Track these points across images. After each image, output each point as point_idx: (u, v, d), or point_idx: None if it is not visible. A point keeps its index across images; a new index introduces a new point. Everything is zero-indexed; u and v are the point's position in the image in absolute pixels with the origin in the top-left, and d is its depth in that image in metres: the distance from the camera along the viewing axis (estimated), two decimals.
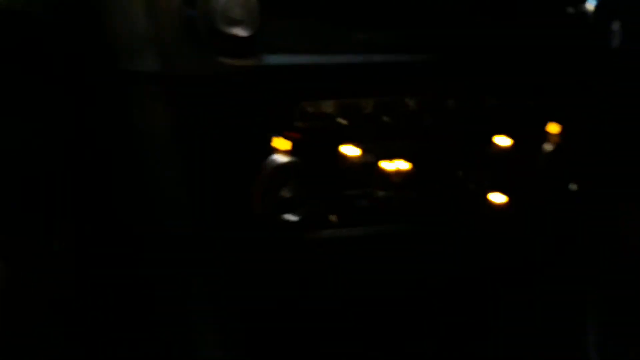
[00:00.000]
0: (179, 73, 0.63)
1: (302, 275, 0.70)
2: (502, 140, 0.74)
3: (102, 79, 0.63)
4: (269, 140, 0.66)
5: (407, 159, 0.72)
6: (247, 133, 0.66)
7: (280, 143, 0.67)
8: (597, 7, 0.73)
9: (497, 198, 0.75)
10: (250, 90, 0.65)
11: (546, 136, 0.76)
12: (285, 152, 0.67)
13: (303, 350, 0.77)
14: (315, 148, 0.68)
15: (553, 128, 0.76)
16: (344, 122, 0.69)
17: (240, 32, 0.61)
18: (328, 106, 0.68)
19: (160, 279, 0.68)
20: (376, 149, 0.70)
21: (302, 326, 0.74)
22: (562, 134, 0.76)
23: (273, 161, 0.66)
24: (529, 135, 0.75)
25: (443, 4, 0.70)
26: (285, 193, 0.67)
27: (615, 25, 0.74)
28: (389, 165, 0.71)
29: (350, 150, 0.70)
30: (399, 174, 0.72)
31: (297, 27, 0.65)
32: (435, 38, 0.70)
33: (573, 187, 0.77)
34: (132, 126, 0.64)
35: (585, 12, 0.74)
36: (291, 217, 0.67)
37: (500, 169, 0.75)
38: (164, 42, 0.62)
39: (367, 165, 0.70)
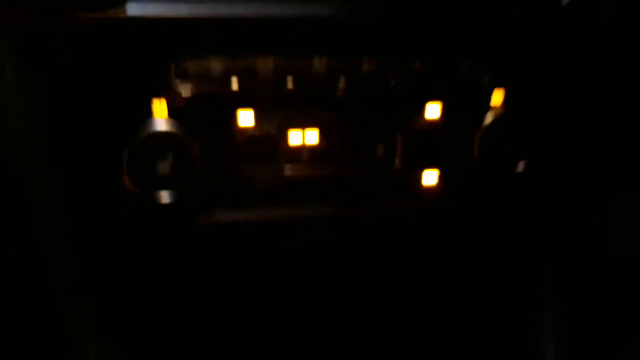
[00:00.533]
0: (30, 29, 0.53)
1: (182, 271, 0.60)
2: (433, 111, 0.64)
3: None
4: (143, 105, 0.57)
5: (316, 132, 0.61)
6: (115, 96, 0.55)
7: (158, 108, 0.57)
8: None
9: (426, 178, 0.65)
10: (116, 47, 0.55)
11: (486, 107, 0.65)
12: (164, 119, 0.57)
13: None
14: (202, 115, 0.58)
15: (495, 98, 0.66)
16: (236, 85, 0.58)
17: None
18: (215, 65, 0.58)
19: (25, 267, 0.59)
20: (277, 119, 0.60)
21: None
22: (505, 104, 0.65)
23: (147, 129, 0.56)
24: (465, 105, 0.64)
25: None
26: (163, 168, 0.57)
27: None
28: (293, 138, 0.61)
29: (244, 119, 0.60)
30: (304, 148, 0.61)
31: None
32: None
33: (520, 167, 0.66)
34: None
35: None
36: (168, 197, 0.57)
37: (430, 145, 0.64)
38: None
39: (265, 138, 0.60)
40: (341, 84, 0.60)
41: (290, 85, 0.59)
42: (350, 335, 0.71)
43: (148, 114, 0.56)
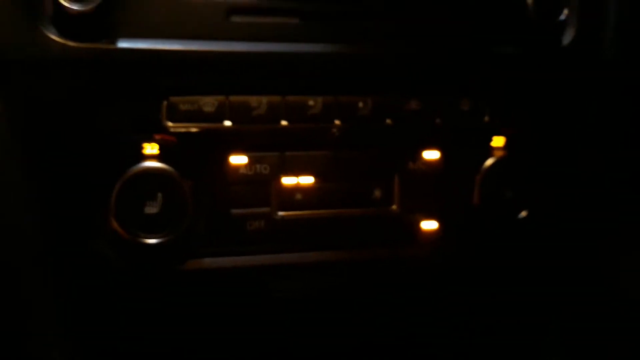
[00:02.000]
0: (12, 56, 0.51)
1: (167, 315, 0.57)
2: (432, 155, 0.62)
3: None
4: (133, 143, 0.55)
5: (311, 174, 0.59)
6: (104, 133, 0.54)
7: (147, 146, 0.55)
8: None
9: (425, 225, 0.62)
10: (104, 80, 0.53)
11: (487, 150, 0.63)
12: (152, 158, 0.55)
13: None
14: (193, 154, 0.56)
15: (496, 141, 0.64)
16: (228, 123, 0.57)
17: (82, 6, 0.50)
18: (207, 104, 0.56)
19: None
20: (270, 158, 0.58)
21: None
22: (507, 147, 0.63)
23: (135, 168, 0.54)
24: (466, 148, 0.63)
25: None
26: (150, 209, 0.55)
27: (565, 16, 0.62)
28: (287, 180, 0.59)
29: (237, 160, 0.58)
30: (298, 189, 0.59)
31: (159, 5, 0.53)
32: (347, 24, 0.57)
33: (522, 214, 0.64)
34: None
35: (523, 2, 0.61)
36: (153, 240, 0.54)
37: (428, 187, 0.62)
38: None
39: (258, 178, 0.58)
40: (336, 123, 0.59)
41: (284, 124, 0.58)
42: None
43: (137, 152, 0.54)
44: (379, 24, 0.58)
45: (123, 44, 0.52)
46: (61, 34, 0.51)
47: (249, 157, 0.57)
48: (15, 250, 0.54)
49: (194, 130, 0.55)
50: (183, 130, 0.55)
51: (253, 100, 0.56)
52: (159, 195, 0.54)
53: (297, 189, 0.59)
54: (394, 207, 0.61)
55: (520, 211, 0.64)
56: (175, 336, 0.60)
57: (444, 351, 0.71)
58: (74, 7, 0.49)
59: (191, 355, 0.60)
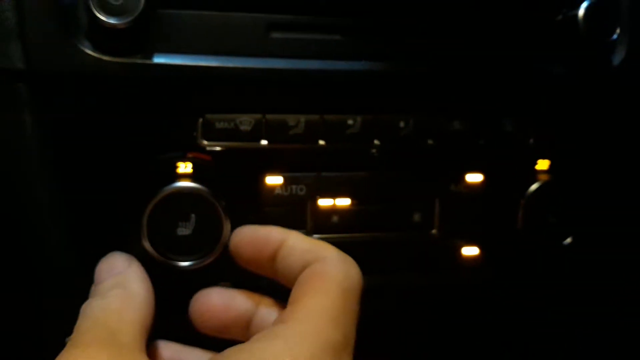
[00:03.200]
0: (47, 70, 0.50)
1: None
2: (474, 177, 0.59)
3: None
4: (164, 162, 0.53)
5: (349, 196, 0.57)
6: (134, 149, 0.52)
7: (180, 166, 0.53)
8: (589, 10, 0.58)
9: (466, 250, 0.60)
10: (137, 97, 0.52)
11: (532, 173, 0.61)
12: (186, 178, 0.53)
13: None
14: (227, 174, 0.54)
15: (541, 164, 0.61)
16: (264, 143, 0.55)
17: (118, 20, 0.48)
18: (244, 122, 0.54)
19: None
20: (307, 179, 0.56)
21: None
22: (552, 171, 0.61)
23: (168, 188, 0.52)
24: (509, 171, 0.60)
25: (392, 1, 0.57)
26: (183, 230, 0.53)
27: (617, 35, 0.59)
28: (324, 202, 0.57)
29: (273, 180, 0.56)
30: (335, 211, 0.57)
31: (197, 20, 0.52)
32: (387, 42, 0.56)
33: (567, 241, 0.61)
34: None
35: (573, 20, 0.59)
36: (186, 263, 0.53)
37: (470, 211, 0.59)
38: (29, 32, 0.49)
39: (294, 199, 0.56)
40: (376, 143, 0.57)
41: (321, 144, 0.56)
42: None
43: (171, 171, 0.52)
44: (423, 42, 0.56)
45: (159, 60, 0.50)
46: (96, 48, 0.50)
47: (285, 178, 0.55)
48: (44, 271, 0.53)
49: (229, 149, 0.54)
50: (218, 148, 0.54)
51: (290, 119, 0.55)
52: (192, 216, 0.52)
53: (333, 211, 0.57)
54: (434, 231, 0.59)
55: (565, 237, 0.61)
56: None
57: None
58: (110, 21, 0.48)
59: None
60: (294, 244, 0.48)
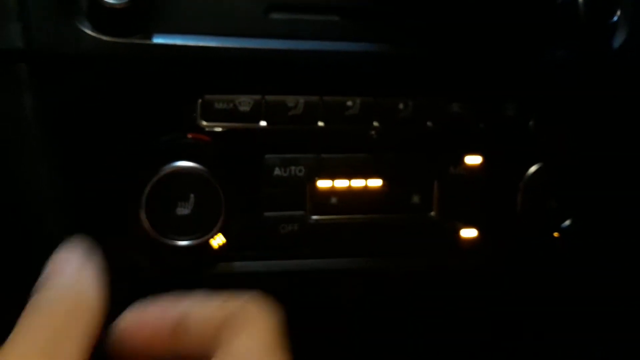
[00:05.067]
0: (47, 50, 0.50)
1: None
2: (474, 160, 0.59)
3: None
4: (164, 142, 0.53)
5: (347, 177, 0.57)
6: (134, 129, 0.52)
7: (179, 146, 0.53)
8: None
9: (465, 232, 0.60)
10: (137, 77, 0.52)
11: (531, 156, 0.61)
12: (186, 157, 0.53)
13: None
14: (226, 155, 0.54)
15: (541, 147, 0.61)
16: (264, 124, 0.55)
17: (118, 1, 0.48)
18: (243, 103, 0.54)
19: None
20: (306, 161, 0.56)
21: None
22: (552, 154, 0.60)
23: (167, 168, 0.53)
24: (509, 154, 0.60)
25: None
26: (182, 210, 0.53)
27: (617, 17, 0.59)
28: (322, 183, 0.57)
29: (272, 161, 0.56)
30: (334, 193, 0.57)
31: (197, 1, 0.52)
32: (389, 23, 0.55)
33: (566, 223, 0.61)
34: None
35: (574, 2, 0.58)
36: (184, 242, 0.53)
37: (470, 194, 0.60)
38: (29, 12, 0.50)
39: (293, 181, 0.56)
40: (375, 125, 0.57)
41: (320, 125, 0.56)
42: None
43: (170, 151, 0.53)
44: (422, 24, 0.56)
45: (158, 40, 0.50)
46: (95, 28, 0.50)
47: (284, 159, 0.56)
48: (42, 249, 0.53)
49: (228, 129, 0.54)
50: (218, 129, 0.54)
51: (290, 100, 0.55)
52: (191, 196, 0.53)
53: (332, 192, 0.57)
54: (433, 213, 0.59)
55: (563, 220, 0.61)
56: None
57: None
58: (109, 1, 0.48)
59: None
60: (198, 315, 0.41)
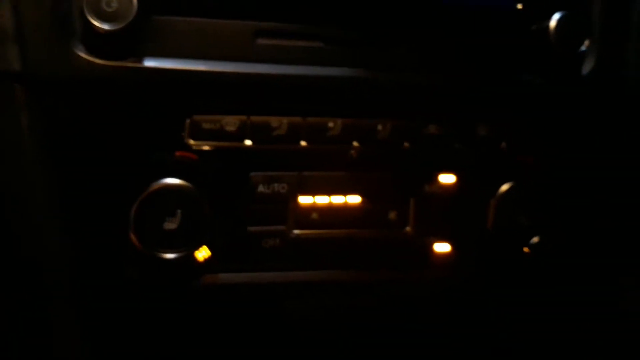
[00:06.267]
0: (43, 73, 0.53)
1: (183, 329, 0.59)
2: (448, 179, 0.63)
3: None
4: (153, 160, 0.56)
5: (328, 194, 0.60)
6: (125, 148, 0.55)
7: (168, 164, 0.56)
8: (560, 22, 0.61)
9: (438, 247, 0.63)
10: (129, 98, 0.54)
11: (502, 176, 0.64)
12: (174, 175, 0.56)
13: None
14: (213, 172, 0.57)
15: (512, 167, 0.64)
16: (249, 143, 0.58)
17: (111, 26, 0.51)
18: (230, 123, 0.57)
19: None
20: (289, 179, 0.59)
21: None
22: (522, 174, 0.64)
23: (156, 184, 0.55)
24: (481, 173, 0.63)
25: (372, 13, 0.59)
26: (169, 225, 0.56)
27: (586, 46, 0.62)
28: (304, 199, 0.60)
29: (257, 178, 0.59)
30: (315, 210, 0.60)
31: (187, 26, 0.55)
32: (369, 50, 0.58)
33: (534, 240, 0.64)
34: None
35: (545, 31, 0.62)
36: (171, 255, 0.56)
37: (443, 211, 0.63)
38: (26, 36, 0.52)
39: (277, 198, 0.59)
40: (355, 145, 0.60)
41: (303, 144, 0.59)
42: None
43: (158, 168, 0.55)
44: (400, 51, 0.59)
45: (149, 63, 0.53)
46: (89, 52, 0.52)
47: (268, 176, 0.58)
48: (36, 263, 0.55)
49: (215, 148, 0.57)
50: (205, 148, 0.56)
51: (274, 120, 0.58)
52: (178, 211, 0.55)
53: (313, 208, 0.60)
54: (408, 229, 0.62)
55: (533, 236, 0.65)
56: (189, 349, 0.61)
57: None
58: (104, 26, 0.51)
59: None
60: None
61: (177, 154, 0.56)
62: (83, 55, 0.52)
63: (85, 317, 0.57)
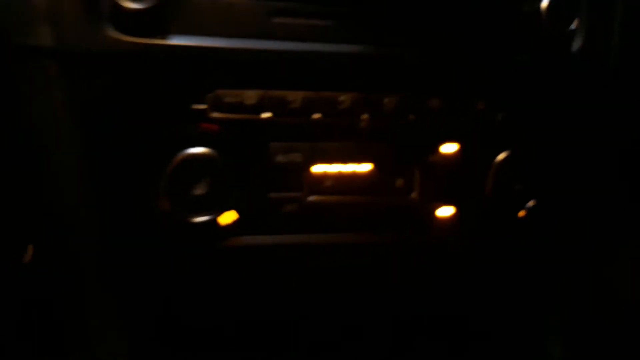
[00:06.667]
0: (74, 49, 0.57)
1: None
2: (450, 148, 0.68)
3: None
4: (180, 131, 0.60)
5: (340, 163, 0.65)
6: (153, 120, 0.59)
7: (193, 134, 0.61)
8: (552, 3, 0.66)
9: (441, 212, 0.68)
10: (156, 73, 0.59)
11: (500, 146, 0.69)
12: (200, 144, 0.60)
13: None
14: (235, 142, 0.61)
15: (508, 138, 0.69)
16: (267, 115, 0.62)
17: (137, 4, 0.56)
18: (249, 97, 0.62)
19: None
20: (304, 149, 0.64)
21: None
22: (517, 144, 0.69)
23: (184, 153, 0.60)
24: (480, 143, 0.68)
25: None
26: (198, 191, 0.60)
27: (575, 25, 0.68)
28: (318, 168, 0.65)
29: (275, 148, 0.63)
30: (328, 177, 0.65)
31: (208, 6, 0.59)
32: (375, 28, 0.63)
33: (530, 204, 0.70)
34: (25, 106, 0.58)
35: (537, 11, 0.67)
36: (200, 219, 0.60)
37: (446, 179, 0.68)
38: (58, 14, 0.56)
39: (293, 166, 0.64)
40: (364, 117, 0.65)
41: (316, 117, 0.63)
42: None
43: (187, 138, 0.60)
44: (406, 29, 0.64)
45: (174, 41, 0.58)
46: (118, 29, 0.57)
47: (285, 146, 0.63)
48: (70, 232, 0.60)
49: (236, 120, 0.61)
50: (227, 119, 0.61)
51: (290, 95, 0.62)
52: (205, 178, 0.60)
53: (326, 176, 0.65)
54: (414, 195, 0.67)
55: (527, 201, 0.70)
56: (212, 309, 0.66)
57: (451, 332, 0.77)
58: (131, 5, 0.55)
59: (228, 330, 0.67)
60: None
61: (202, 125, 0.60)
62: (112, 33, 0.57)
63: (116, 280, 0.61)
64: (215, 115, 0.61)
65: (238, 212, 0.61)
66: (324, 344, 0.71)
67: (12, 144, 0.58)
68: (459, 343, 0.78)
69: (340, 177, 0.65)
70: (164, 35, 0.58)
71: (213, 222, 0.60)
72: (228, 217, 0.61)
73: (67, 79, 0.57)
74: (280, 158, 0.63)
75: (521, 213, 0.69)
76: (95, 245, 0.60)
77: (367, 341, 0.73)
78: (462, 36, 0.65)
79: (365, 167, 0.65)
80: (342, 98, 0.64)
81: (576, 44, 0.68)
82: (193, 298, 0.65)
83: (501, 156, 0.68)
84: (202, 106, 0.60)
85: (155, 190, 0.59)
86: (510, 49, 0.67)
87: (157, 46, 0.58)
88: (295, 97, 0.62)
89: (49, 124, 0.58)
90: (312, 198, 0.64)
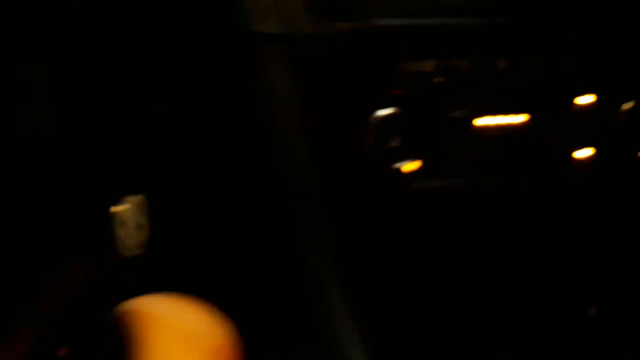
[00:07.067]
0: (296, 33, 0.72)
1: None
2: (584, 100, 0.81)
3: (232, 43, 0.73)
4: (376, 96, 0.74)
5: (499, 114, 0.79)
6: (357, 89, 0.74)
7: (389, 99, 0.75)
8: None
9: (582, 153, 0.82)
10: (361, 50, 0.73)
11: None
12: (394, 107, 0.74)
13: None
14: (417, 104, 0.76)
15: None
16: (441, 80, 0.76)
17: None
18: (427, 66, 0.75)
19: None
20: (469, 106, 0.78)
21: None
22: None
23: (381, 114, 0.74)
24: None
25: None
26: (395, 142, 0.74)
27: None
28: (480, 122, 0.78)
29: (447, 107, 0.77)
30: (489, 130, 0.79)
31: None
32: (520, 5, 0.78)
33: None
34: (259, 83, 0.72)
35: None
36: (398, 165, 0.74)
37: (583, 127, 0.81)
38: (285, 6, 0.71)
39: (461, 121, 0.78)
40: (515, 80, 0.78)
41: (479, 81, 0.77)
42: None
43: (381, 102, 0.74)
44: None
45: (377, 22, 0.72)
46: (331, 17, 0.72)
47: (457, 107, 0.77)
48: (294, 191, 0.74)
49: (421, 86, 0.75)
50: (413, 87, 0.75)
51: (459, 62, 0.76)
52: (398, 133, 0.74)
53: (489, 128, 0.78)
54: (557, 142, 0.81)
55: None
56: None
57: None
58: None
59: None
60: None
61: (394, 92, 0.74)
62: (326, 19, 0.71)
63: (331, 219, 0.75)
64: (403, 82, 0.75)
65: (425, 160, 0.75)
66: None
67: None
68: None
69: (501, 129, 0.78)
70: (366, 20, 0.72)
71: (405, 169, 0.73)
72: (412, 165, 0.75)
73: (292, 59, 0.72)
74: (453, 115, 0.77)
75: None
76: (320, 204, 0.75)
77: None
78: None
79: (520, 119, 0.79)
80: (498, 63, 0.77)
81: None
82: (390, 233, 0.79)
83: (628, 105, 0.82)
84: (395, 75, 0.74)
85: (364, 144, 0.73)
86: None
87: (363, 28, 0.72)
88: (462, 64, 0.76)
89: (284, 102, 0.73)
90: (476, 147, 0.78)
